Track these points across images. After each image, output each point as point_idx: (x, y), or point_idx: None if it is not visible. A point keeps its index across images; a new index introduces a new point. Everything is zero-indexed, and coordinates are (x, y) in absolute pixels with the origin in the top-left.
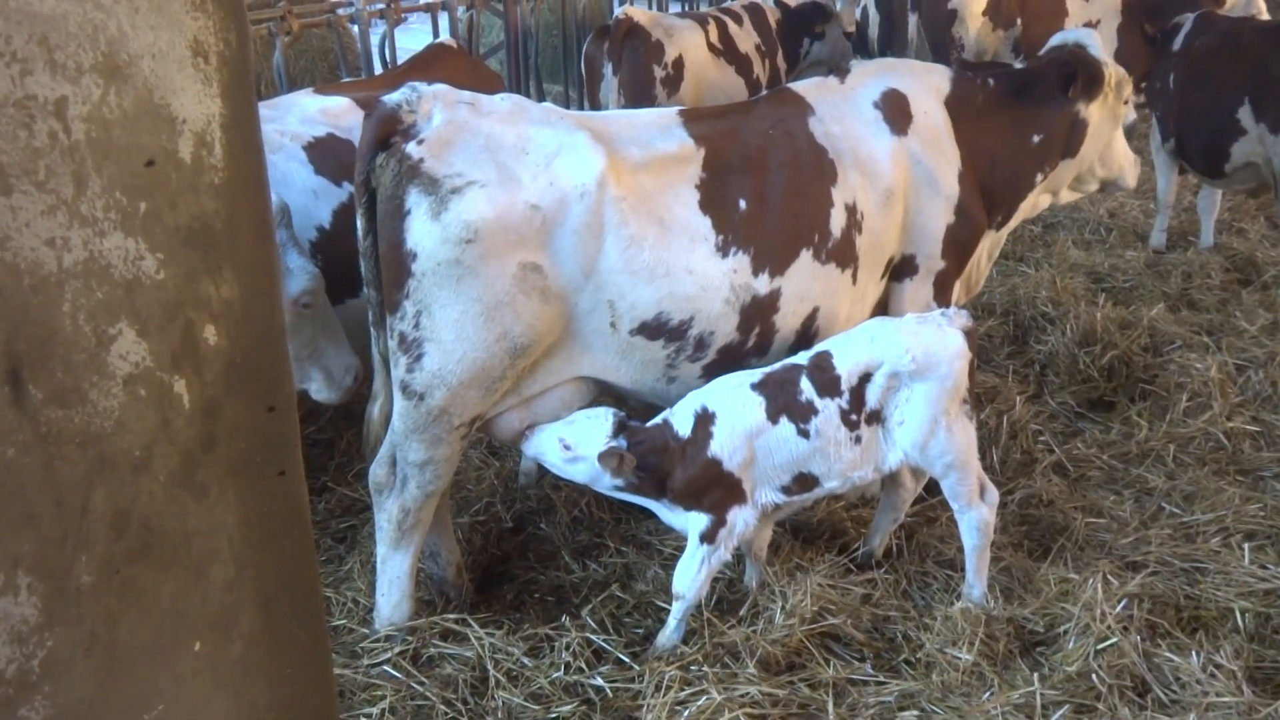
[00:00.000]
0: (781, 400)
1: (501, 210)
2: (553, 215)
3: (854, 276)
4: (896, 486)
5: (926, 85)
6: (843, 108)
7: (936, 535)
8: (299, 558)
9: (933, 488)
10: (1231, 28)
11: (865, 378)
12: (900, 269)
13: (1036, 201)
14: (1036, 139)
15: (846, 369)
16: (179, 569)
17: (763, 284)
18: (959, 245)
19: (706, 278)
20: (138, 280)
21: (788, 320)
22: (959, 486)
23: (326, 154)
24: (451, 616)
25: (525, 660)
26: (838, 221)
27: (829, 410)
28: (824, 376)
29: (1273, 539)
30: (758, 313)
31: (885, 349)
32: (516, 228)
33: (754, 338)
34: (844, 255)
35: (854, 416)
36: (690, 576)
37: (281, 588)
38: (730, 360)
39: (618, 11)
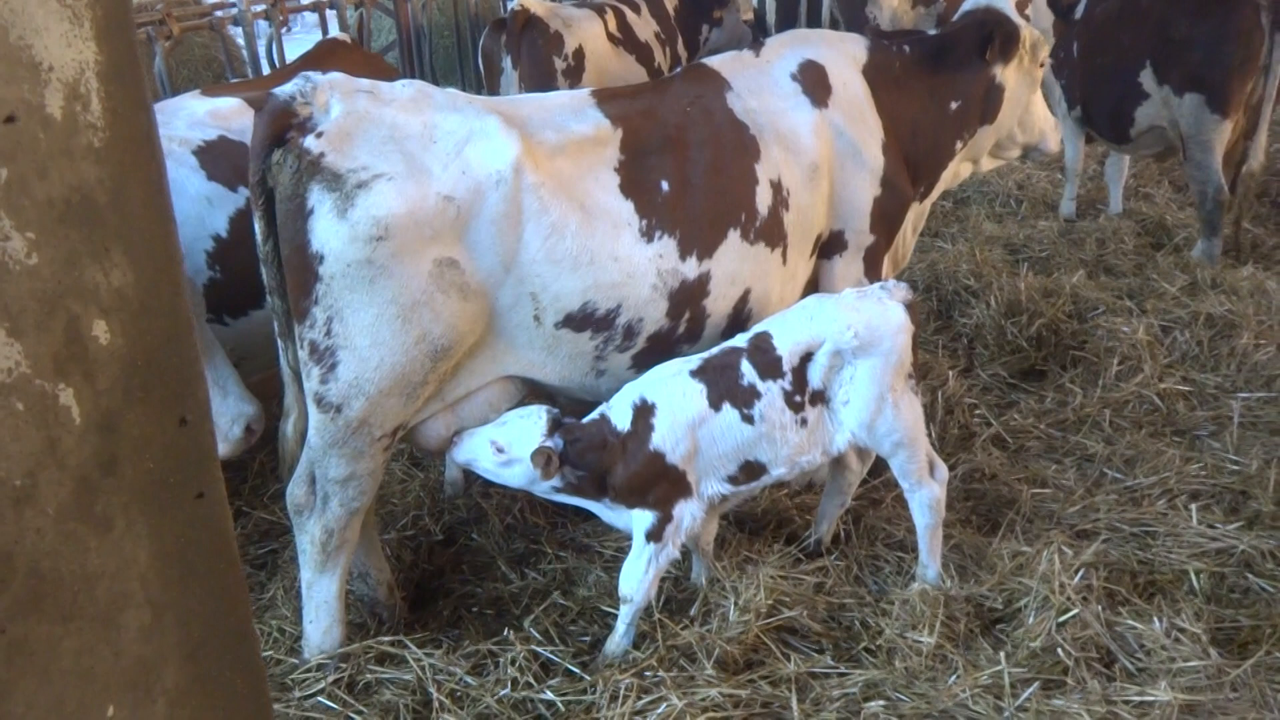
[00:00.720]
0: (722, 386)
1: (413, 204)
2: (467, 206)
3: (784, 255)
4: (842, 469)
5: (843, 55)
6: (760, 81)
7: (883, 517)
8: (227, 594)
9: (874, 469)
10: None
11: (807, 357)
12: (829, 246)
13: (958, 171)
14: (954, 105)
15: (787, 349)
16: (82, 621)
17: (691, 268)
18: (887, 218)
19: (632, 264)
20: (3, 267)
21: (719, 304)
22: (908, 464)
23: (219, 158)
24: (386, 639)
25: (469, 679)
26: (764, 199)
27: (772, 393)
28: (765, 358)
29: (1217, 497)
30: (687, 298)
31: (826, 326)
32: (430, 221)
33: (684, 323)
34: (773, 234)
35: (798, 398)
36: (638, 578)
37: (209, 631)
38: (661, 348)
39: (514, 3)
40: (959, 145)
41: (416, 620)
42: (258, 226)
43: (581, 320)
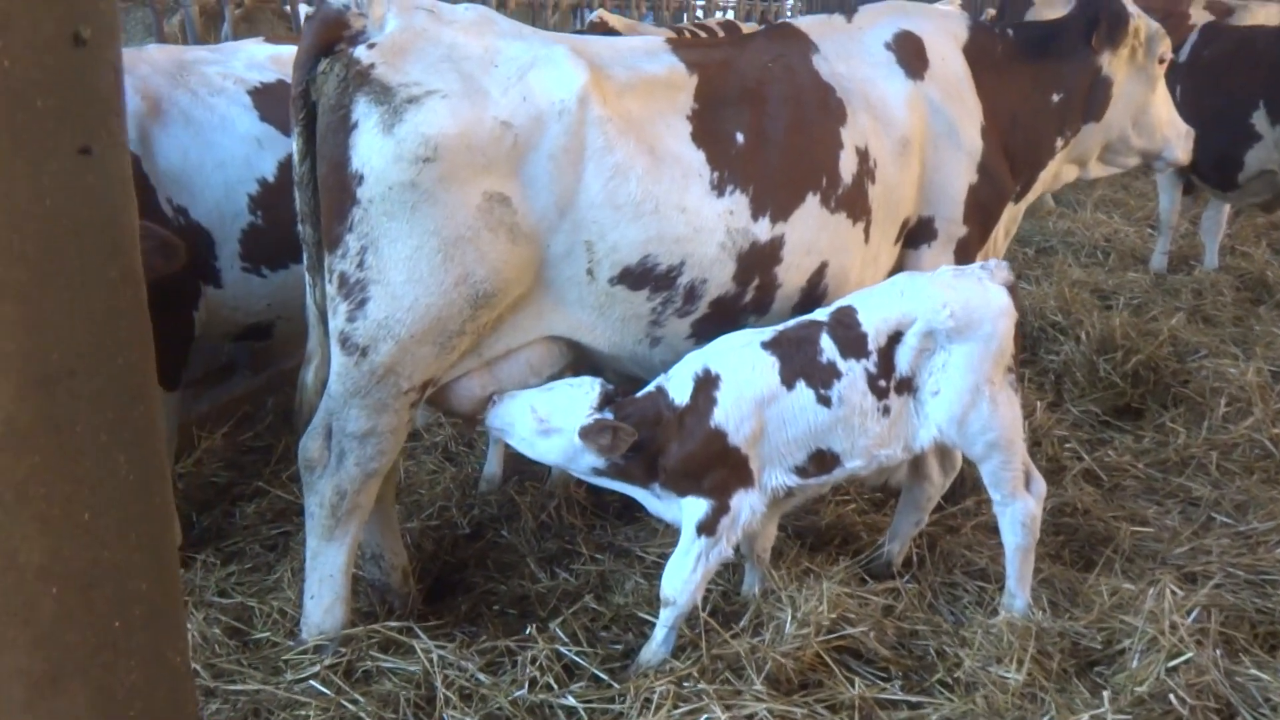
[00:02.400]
0: (798, 361)
1: (466, 125)
2: (526, 136)
3: (867, 232)
4: (921, 480)
5: (943, 30)
6: (850, 47)
7: (962, 543)
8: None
9: (953, 495)
10: (1244, 35)
11: (895, 338)
12: (917, 233)
13: (1059, 172)
14: (1057, 98)
15: (874, 327)
16: None
17: (763, 229)
18: (983, 209)
19: (700, 218)
20: None
21: (791, 274)
22: (1002, 471)
23: (275, 101)
24: (394, 624)
25: (481, 676)
26: (848, 166)
27: (854, 374)
28: (848, 335)
29: None
30: (757, 262)
31: (919, 304)
32: (483, 148)
33: (752, 291)
34: (855, 206)
35: (882, 382)
36: (683, 577)
37: None
38: (724, 317)
39: (592, 15)
40: (1060, 142)
41: (431, 613)
42: (295, 145)
43: (639, 276)
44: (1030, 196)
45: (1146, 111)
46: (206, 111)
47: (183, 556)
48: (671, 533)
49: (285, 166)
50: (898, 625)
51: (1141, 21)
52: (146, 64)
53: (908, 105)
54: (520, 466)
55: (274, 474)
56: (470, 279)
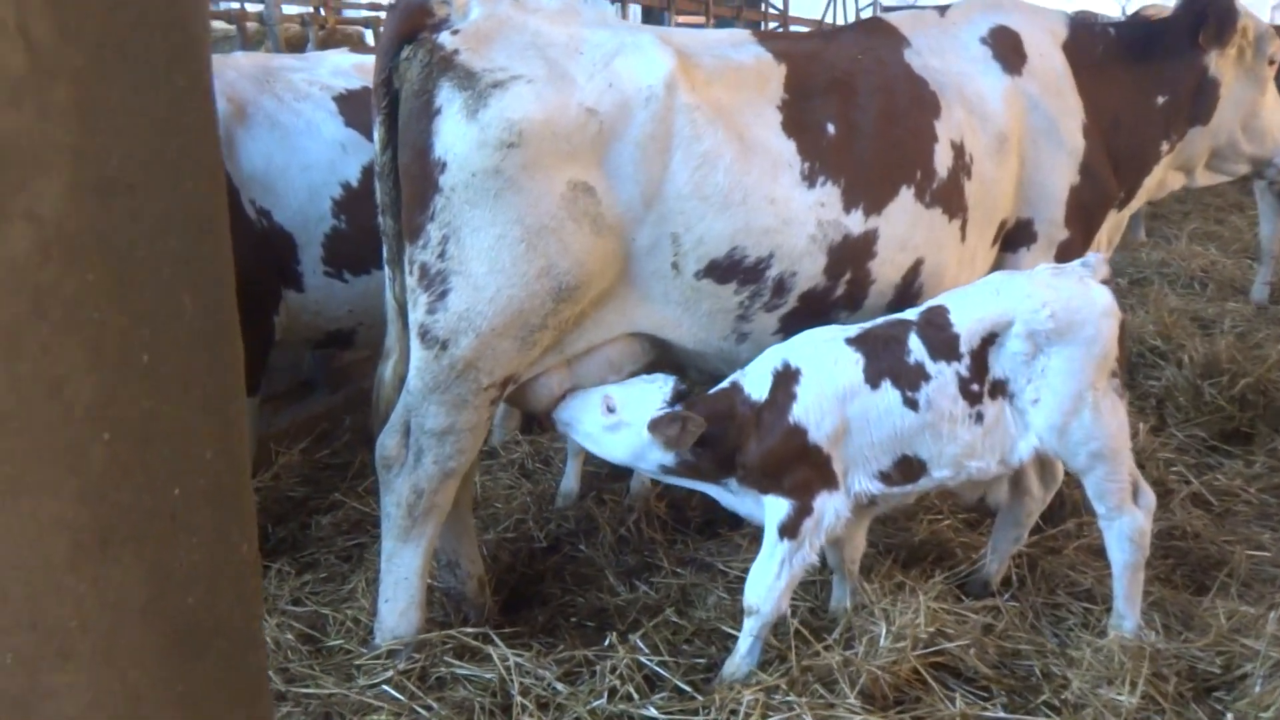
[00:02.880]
0: (885, 360)
1: (551, 111)
2: (611, 123)
3: (963, 230)
4: (1021, 495)
5: (1041, 26)
6: (943, 41)
7: (1065, 564)
8: None
9: (1053, 515)
10: None
11: (990, 339)
12: (1016, 236)
13: (1164, 179)
14: (1162, 99)
15: (967, 327)
16: None
17: (855, 221)
18: (1085, 212)
19: (790, 209)
20: None
21: (885, 269)
22: (1107, 483)
23: (360, 107)
24: (470, 630)
25: (559, 685)
26: (943, 159)
27: (944, 377)
28: (938, 335)
29: None
30: (849, 255)
31: (1016, 303)
32: (568, 135)
33: (843, 285)
34: (951, 201)
35: (975, 387)
36: (766, 584)
37: None
38: (814, 311)
39: None
40: (1165, 146)
41: (507, 624)
42: (377, 134)
43: (727, 269)
44: (1134, 204)
45: (1257, 115)
46: (292, 116)
47: (261, 565)
48: (756, 547)
49: (369, 171)
50: (999, 644)
51: (1250, 20)
52: (233, 69)
53: (1004, 100)
54: (598, 483)
55: (350, 488)
56: (553, 271)
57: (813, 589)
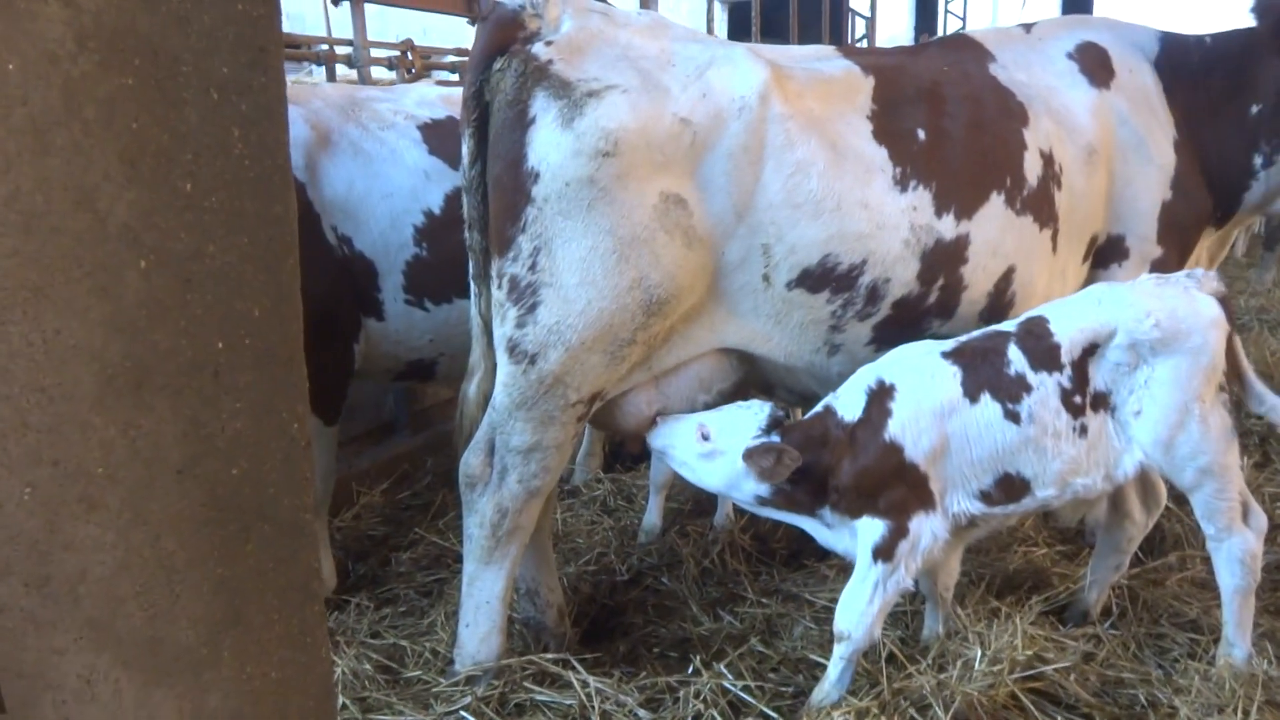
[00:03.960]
0: (983, 373)
1: (646, 121)
2: (705, 134)
3: (1054, 241)
4: (1121, 520)
5: (1129, 41)
6: (1029, 56)
7: (1169, 595)
8: None
9: (1152, 549)
10: None
11: (1091, 350)
12: (1107, 252)
13: (1273, 194)
14: (1255, 109)
15: (1068, 337)
16: None
17: (947, 226)
18: (1178, 229)
19: (883, 214)
20: None
21: (977, 275)
22: (1216, 500)
23: (444, 135)
24: (550, 656)
25: (640, 712)
26: (1032, 167)
27: (1046, 389)
28: (1039, 345)
29: None
30: (942, 260)
31: (1119, 312)
32: (662, 145)
33: (936, 291)
34: (1041, 210)
35: (1078, 399)
36: (859, 609)
37: None
38: (907, 319)
39: None
40: (1259, 159)
41: (588, 653)
42: (466, 147)
43: (819, 278)
44: (1234, 222)
45: None
46: (376, 144)
47: (337, 600)
48: (844, 579)
49: (452, 200)
50: (1100, 672)
51: None
52: (319, 98)
53: (1093, 114)
54: (681, 518)
55: (431, 525)
56: (644, 283)
57: (903, 620)
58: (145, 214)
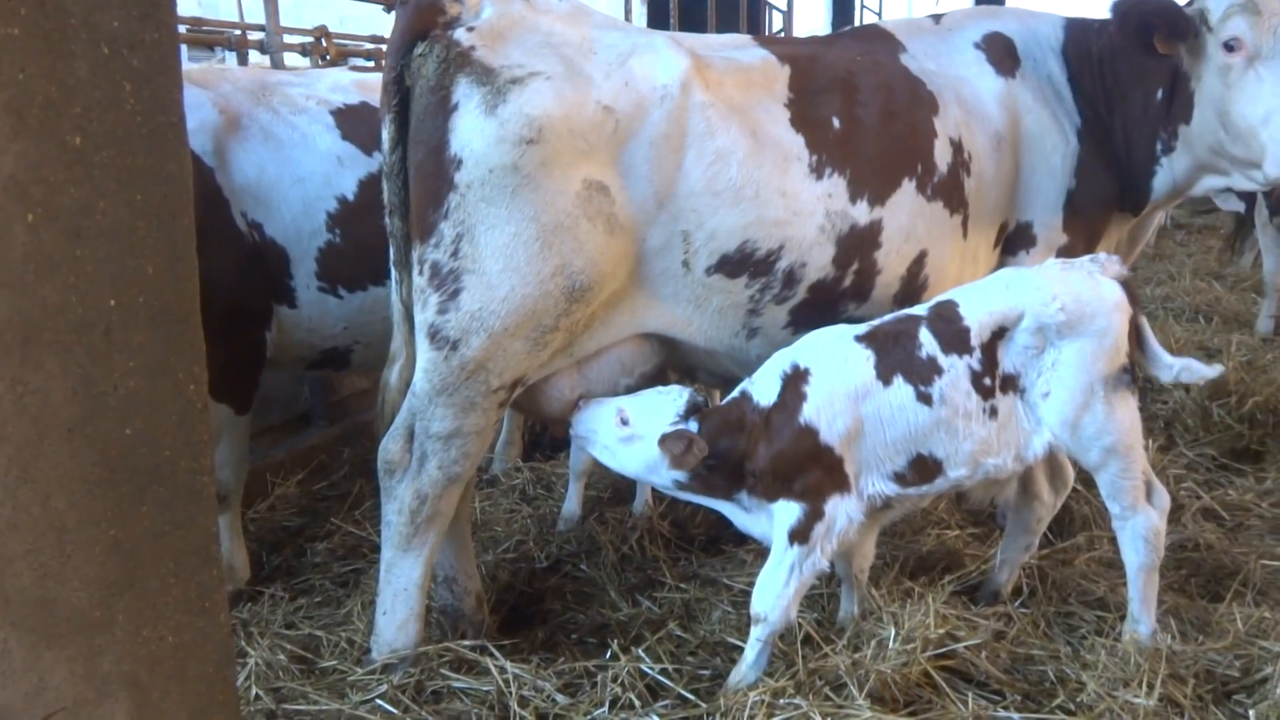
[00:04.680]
0: (895, 355)
1: (570, 108)
2: (627, 122)
3: (964, 227)
4: (1030, 501)
5: (1035, 31)
6: (938, 47)
7: (1077, 574)
8: None
9: (1061, 531)
10: None
11: (999, 333)
12: (1015, 239)
13: (1184, 181)
14: (1160, 95)
15: (977, 320)
16: None
17: (861, 212)
18: (1084, 216)
19: (799, 201)
20: None
21: (891, 259)
22: (1121, 479)
23: (357, 121)
24: (468, 643)
25: (559, 696)
26: (942, 154)
27: (956, 371)
28: (949, 329)
29: None
30: (856, 245)
31: (1025, 296)
32: (585, 133)
33: (851, 275)
34: (952, 196)
35: (987, 381)
36: (775, 591)
37: None
38: (823, 302)
39: None
40: (1159, 147)
41: (506, 640)
42: (386, 133)
43: (738, 263)
44: (1147, 210)
45: (1230, 111)
46: (287, 129)
47: (251, 591)
48: (761, 563)
49: (366, 185)
50: (1011, 649)
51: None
52: (229, 82)
53: (999, 102)
54: (600, 505)
55: (348, 515)
56: (567, 269)
57: (819, 601)
58: (33, 167)
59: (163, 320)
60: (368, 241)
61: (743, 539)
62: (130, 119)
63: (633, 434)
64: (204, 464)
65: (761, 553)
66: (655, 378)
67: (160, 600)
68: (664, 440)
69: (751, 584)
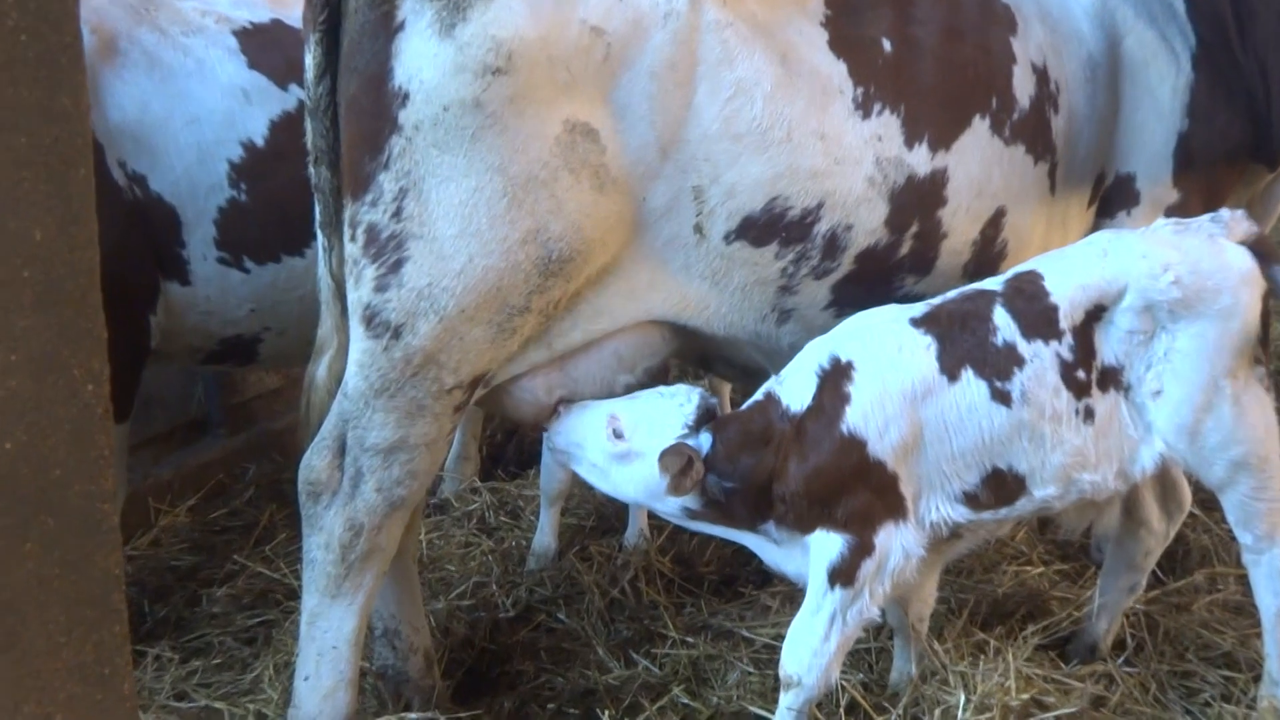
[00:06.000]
0: (963, 343)
1: (547, 29)
2: (621, 47)
3: (1052, 178)
4: (1136, 529)
5: None
6: None
7: (1196, 623)
8: None
9: (1174, 567)
10: None
11: (1096, 314)
12: (1113, 196)
13: None
14: None
15: (1067, 296)
16: None
17: (921, 159)
18: (1201, 168)
19: (843, 145)
20: None
21: (959, 220)
22: (1254, 502)
23: (269, 44)
24: (414, 715)
25: None
26: (1023, 85)
27: (1042, 361)
28: (1031, 307)
29: None
30: (915, 201)
31: (1129, 266)
32: (567, 60)
33: (909, 241)
34: (1036, 138)
35: (1082, 374)
36: (811, 646)
37: None
38: (874, 278)
39: None
40: None
41: (463, 712)
42: (311, 59)
43: (765, 226)
44: None
45: None
46: (178, 54)
47: (132, 651)
48: (791, 611)
49: (280, 128)
50: (1113, 719)
51: None
52: None
53: (1093, 19)
54: (582, 537)
55: (255, 552)
56: (541, 236)
57: (865, 659)
58: None
59: (53, 301)
60: (280, 200)
61: (765, 579)
62: (13, 39)
63: (629, 449)
64: (104, 487)
65: (791, 596)
66: (663, 374)
67: (47, 667)
68: (662, 456)
69: (778, 637)
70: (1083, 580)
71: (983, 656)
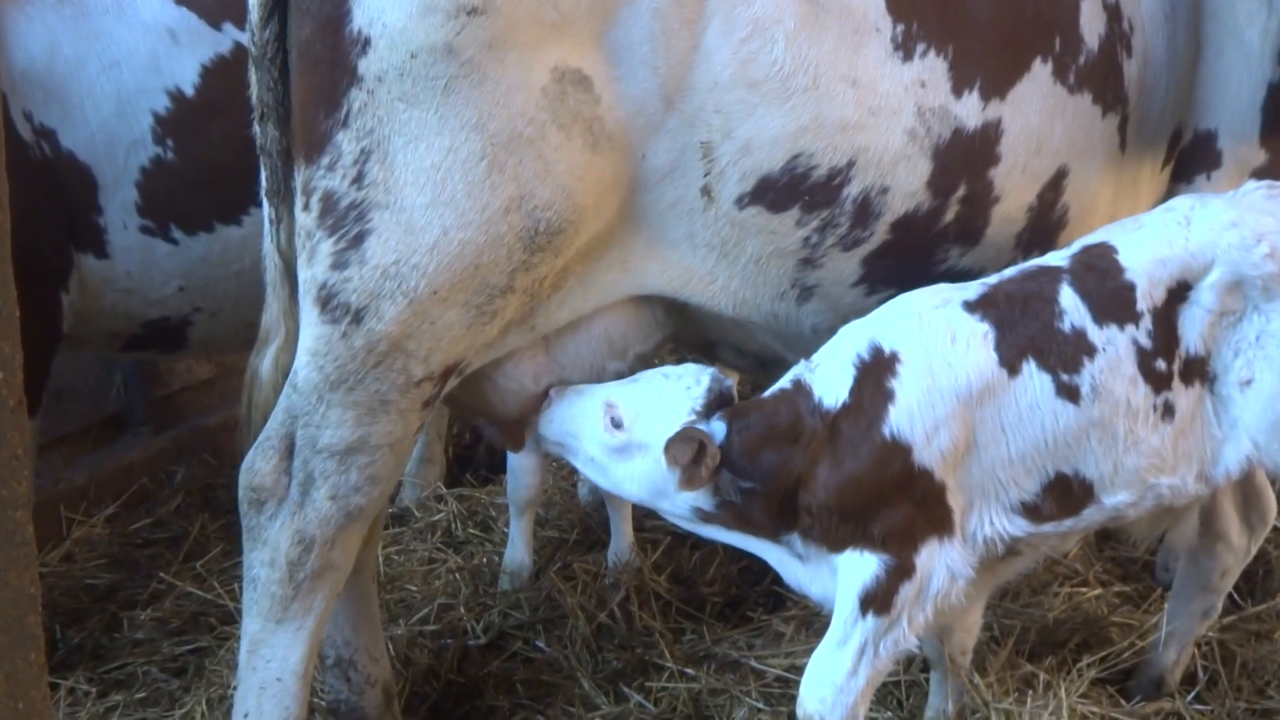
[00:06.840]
0: (1025, 329)
1: None
2: None
3: (1122, 134)
4: (1212, 544)
5: None
6: None
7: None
8: None
9: (1254, 588)
10: None
11: (1179, 291)
12: (1190, 158)
13: None
14: None
15: (1146, 272)
16: None
17: (971, 109)
18: None
19: (879, 93)
20: None
21: (1013, 181)
22: None
23: None
24: None
25: None
26: (1091, 24)
27: (1116, 349)
28: (1105, 286)
29: None
30: (964, 160)
31: (1215, 236)
32: None
33: (955, 205)
34: (1105, 87)
35: (1162, 364)
36: (835, 680)
37: None
38: (912, 249)
39: None
40: None
41: None
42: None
43: (785, 189)
44: None
45: None
46: None
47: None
48: (808, 639)
49: (215, 73)
50: None
51: None
52: None
53: None
54: (563, 552)
55: (184, 569)
56: (527, 204)
57: (893, 694)
58: None
59: None
60: (215, 159)
61: (778, 601)
62: None
63: (629, 440)
64: (18, 492)
65: (807, 621)
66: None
67: None
68: (668, 448)
69: (794, 669)
70: (1147, 604)
71: (1031, 692)
